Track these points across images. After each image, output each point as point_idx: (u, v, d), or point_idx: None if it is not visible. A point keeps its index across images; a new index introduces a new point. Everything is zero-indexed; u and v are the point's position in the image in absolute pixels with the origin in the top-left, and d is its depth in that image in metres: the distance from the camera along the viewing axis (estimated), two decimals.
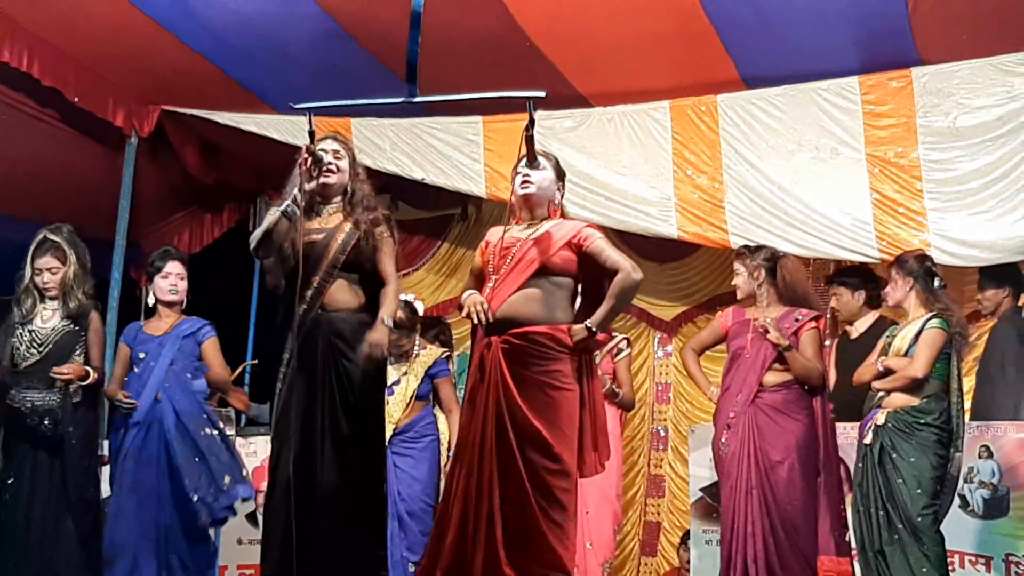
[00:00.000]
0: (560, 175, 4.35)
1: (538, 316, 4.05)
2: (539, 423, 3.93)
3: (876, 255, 6.03)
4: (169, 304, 5.50)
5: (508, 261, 4.14)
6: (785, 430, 5.17)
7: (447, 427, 5.95)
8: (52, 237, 5.27)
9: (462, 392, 5.08)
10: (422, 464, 5.73)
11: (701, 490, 6.45)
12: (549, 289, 4.11)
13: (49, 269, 5.23)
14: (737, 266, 5.50)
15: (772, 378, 5.24)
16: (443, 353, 5.99)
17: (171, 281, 5.46)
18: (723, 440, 5.28)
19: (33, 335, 5.18)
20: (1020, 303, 6.10)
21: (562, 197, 4.38)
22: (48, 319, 5.23)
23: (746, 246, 5.64)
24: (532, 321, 4.04)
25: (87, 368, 5.19)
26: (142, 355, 5.38)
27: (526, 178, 4.20)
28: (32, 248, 5.24)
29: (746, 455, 5.17)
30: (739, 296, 5.52)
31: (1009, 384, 5.89)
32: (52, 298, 5.25)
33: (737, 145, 6.36)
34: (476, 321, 4.07)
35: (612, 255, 4.13)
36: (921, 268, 5.31)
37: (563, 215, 4.39)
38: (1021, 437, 5.57)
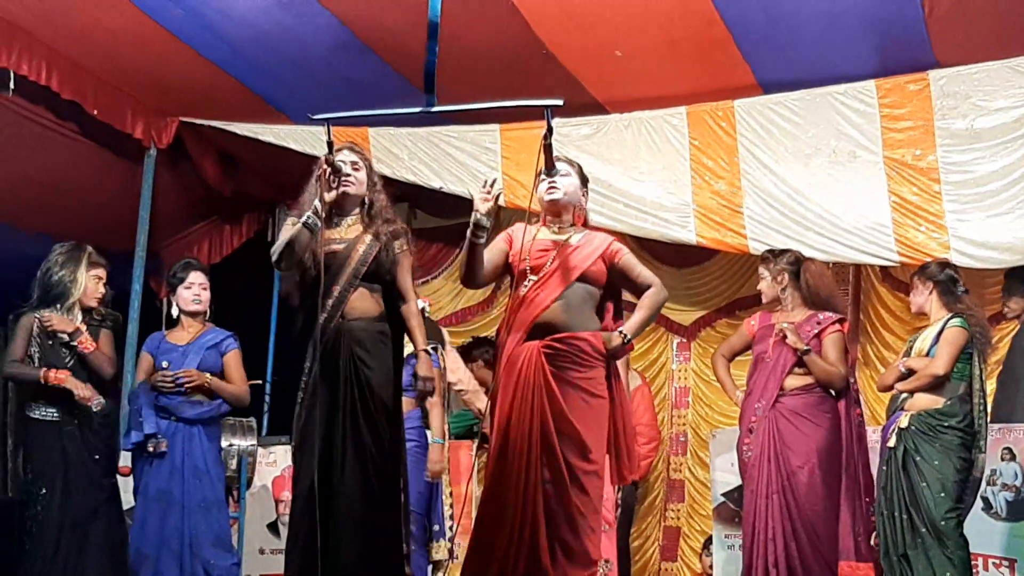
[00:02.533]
0: (584, 181, 4.37)
1: (575, 323, 4.08)
2: (579, 426, 3.96)
3: (895, 258, 6.02)
4: (193, 314, 5.52)
5: (548, 264, 4.14)
6: (806, 435, 5.16)
7: (432, 420, 5.88)
8: (94, 251, 5.33)
9: None
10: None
11: (723, 495, 6.44)
12: (584, 297, 4.15)
13: (102, 279, 5.32)
14: (761, 270, 5.50)
15: (793, 382, 5.23)
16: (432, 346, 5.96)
17: (194, 291, 5.49)
18: (745, 444, 5.28)
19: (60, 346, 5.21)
20: None
21: (586, 202, 4.40)
22: None
23: (771, 250, 5.63)
24: (570, 328, 4.07)
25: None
26: (165, 364, 5.38)
27: (552, 184, 4.19)
28: (85, 258, 5.28)
29: (767, 460, 5.16)
30: (764, 300, 5.52)
31: None
32: (88, 309, 5.30)
33: (755, 150, 6.34)
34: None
35: (643, 271, 4.28)
36: (942, 273, 5.33)
37: (586, 221, 4.40)
38: None
